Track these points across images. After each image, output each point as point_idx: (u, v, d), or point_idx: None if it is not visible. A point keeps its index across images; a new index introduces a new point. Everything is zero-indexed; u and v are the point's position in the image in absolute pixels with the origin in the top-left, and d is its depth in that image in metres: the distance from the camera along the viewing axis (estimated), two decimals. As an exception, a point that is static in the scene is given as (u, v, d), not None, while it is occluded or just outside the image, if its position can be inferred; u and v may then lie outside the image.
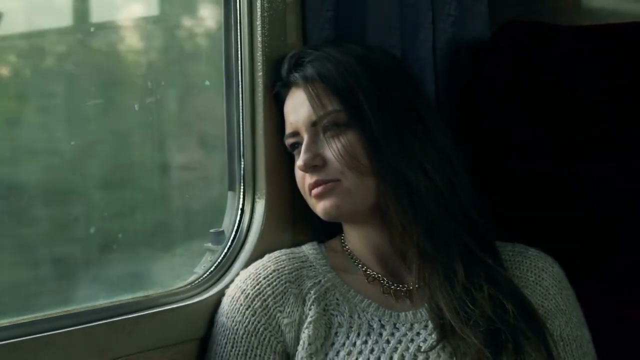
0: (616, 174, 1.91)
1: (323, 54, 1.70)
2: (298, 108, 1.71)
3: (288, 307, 1.66)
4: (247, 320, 1.65)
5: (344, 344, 1.62)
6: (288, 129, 1.73)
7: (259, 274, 1.68)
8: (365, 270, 1.72)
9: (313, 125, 1.68)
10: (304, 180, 1.69)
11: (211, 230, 1.83)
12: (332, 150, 1.64)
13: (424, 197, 1.63)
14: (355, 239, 1.74)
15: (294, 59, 1.73)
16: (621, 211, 1.91)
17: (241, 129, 1.82)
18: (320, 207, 1.67)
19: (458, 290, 1.60)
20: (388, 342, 1.62)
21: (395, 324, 1.64)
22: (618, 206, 1.91)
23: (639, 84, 1.95)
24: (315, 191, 1.66)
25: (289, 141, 1.74)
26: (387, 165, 1.63)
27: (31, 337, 1.49)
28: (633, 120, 1.94)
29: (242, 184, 1.83)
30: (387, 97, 1.66)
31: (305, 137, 1.68)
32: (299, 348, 1.63)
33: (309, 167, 1.66)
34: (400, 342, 1.62)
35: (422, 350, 1.60)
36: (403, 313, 1.65)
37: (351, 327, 1.64)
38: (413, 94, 1.71)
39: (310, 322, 1.64)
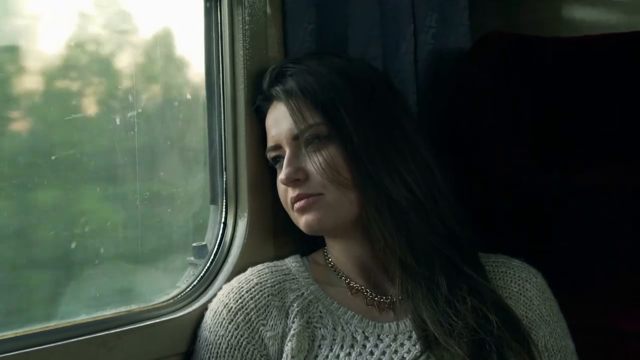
0: (598, 183, 1.92)
1: (304, 67, 1.70)
2: (280, 122, 1.70)
3: (271, 321, 1.65)
4: (230, 334, 1.64)
5: (327, 356, 1.62)
6: (270, 143, 1.73)
7: (242, 287, 1.68)
8: (349, 283, 1.72)
9: (295, 138, 1.67)
10: (286, 194, 1.69)
11: (194, 244, 1.82)
12: (313, 164, 1.64)
13: (406, 210, 1.63)
14: (338, 251, 1.73)
15: (275, 72, 1.73)
16: (603, 221, 1.91)
17: (223, 142, 1.82)
18: (302, 221, 1.67)
19: (441, 303, 1.60)
20: (372, 353, 1.62)
21: (379, 336, 1.64)
22: (600, 216, 1.91)
23: (618, 95, 1.96)
24: (297, 205, 1.66)
25: (270, 154, 1.73)
26: (369, 179, 1.62)
27: (11, 354, 1.48)
28: (613, 130, 1.94)
29: (224, 198, 1.83)
30: (368, 109, 1.66)
31: (287, 151, 1.68)
32: (283, 361, 1.62)
33: (291, 181, 1.66)
34: (384, 353, 1.61)
35: (405, 361, 1.59)
36: (387, 324, 1.65)
37: (334, 340, 1.64)
38: (394, 107, 1.71)
39: (293, 335, 1.63)
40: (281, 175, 1.67)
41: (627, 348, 1.83)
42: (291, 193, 1.67)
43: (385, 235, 1.63)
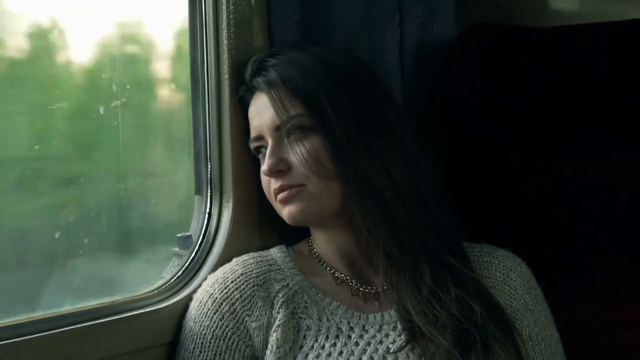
0: (586, 173, 1.92)
1: (286, 58, 1.70)
2: (262, 112, 1.70)
3: (256, 311, 1.65)
4: (215, 325, 1.64)
5: (312, 347, 1.62)
6: (252, 133, 1.73)
7: (227, 278, 1.68)
8: (334, 273, 1.72)
9: (277, 129, 1.67)
10: (269, 184, 1.69)
11: (178, 235, 1.82)
12: (296, 155, 1.64)
13: (389, 201, 1.63)
14: (323, 242, 1.73)
15: (257, 63, 1.73)
16: (590, 211, 1.92)
17: (208, 133, 1.81)
18: (285, 212, 1.67)
19: (425, 293, 1.60)
20: (357, 344, 1.62)
21: (364, 326, 1.64)
22: (587, 206, 1.92)
23: (605, 84, 1.96)
24: (280, 196, 1.66)
25: (253, 145, 1.73)
26: (352, 170, 1.62)
27: (-4, 343, 1.48)
28: (601, 120, 1.95)
29: (209, 188, 1.82)
30: (351, 100, 1.66)
31: (270, 142, 1.68)
32: (268, 352, 1.62)
33: (273, 172, 1.65)
34: (369, 343, 1.62)
35: (390, 351, 1.59)
36: (372, 315, 1.65)
37: (320, 330, 1.64)
38: (379, 97, 1.71)
39: (278, 326, 1.63)
40: (264, 167, 1.67)
41: (614, 337, 1.84)
42: (274, 184, 1.67)
43: (369, 226, 1.63)
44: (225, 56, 1.79)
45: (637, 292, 1.85)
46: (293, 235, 1.78)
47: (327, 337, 1.63)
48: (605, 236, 1.89)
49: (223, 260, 1.75)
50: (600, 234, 1.90)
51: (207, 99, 1.81)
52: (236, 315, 1.65)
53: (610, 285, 1.86)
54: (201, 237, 1.80)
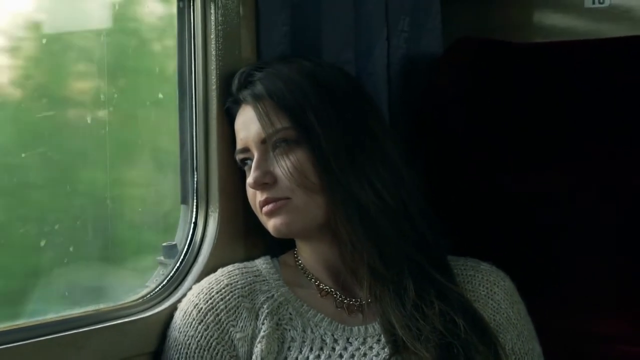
0: (569, 188, 1.93)
1: (273, 70, 1.70)
2: (248, 125, 1.70)
3: (241, 322, 1.65)
4: (199, 335, 1.64)
5: (296, 359, 1.62)
6: (239, 145, 1.73)
7: (212, 288, 1.68)
8: (318, 285, 1.72)
9: (263, 142, 1.68)
10: (254, 197, 1.69)
11: (163, 244, 1.82)
12: (281, 168, 1.64)
13: (374, 215, 1.64)
14: (308, 253, 1.74)
15: (244, 75, 1.73)
16: (574, 225, 1.93)
17: (194, 143, 1.82)
18: (270, 225, 1.67)
19: (409, 307, 1.61)
20: (341, 356, 1.62)
21: (348, 339, 1.64)
22: (571, 219, 1.93)
23: (588, 100, 1.98)
24: (265, 209, 1.66)
25: (239, 157, 1.74)
26: (337, 184, 1.63)
27: (-22, 351, 1.47)
28: (585, 134, 1.96)
29: (195, 198, 1.82)
30: (337, 114, 1.66)
31: (255, 155, 1.68)
32: (252, 363, 1.62)
33: (259, 185, 1.66)
34: (353, 356, 1.62)
35: (374, 364, 1.60)
36: (356, 327, 1.66)
37: (304, 342, 1.64)
38: (364, 111, 1.72)
39: (263, 337, 1.63)
40: (249, 179, 1.68)
41: (598, 351, 1.85)
42: (259, 196, 1.67)
43: (354, 240, 1.64)
44: (213, 67, 1.80)
45: (621, 306, 1.87)
46: (278, 246, 1.78)
47: (311, 349, 1.63)
48: (590, 250, 1.90)
49: (208, 270, 1.75)
50: (584, 247, 1.91)
51: (194, 109, 1.81)
52: (221, 326, 1.65)
53: (593, 299, 1.87)
54: (186, 246, 1.80)
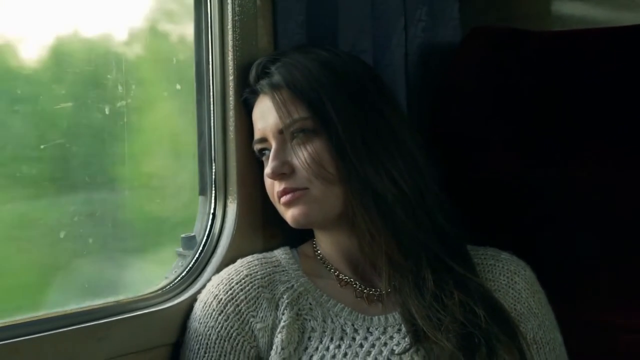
0: (588, 177, 1.92)
1: (290, 60, 1.70)
2: (265, 115, 1.70)
3: (261, 312, 1.65)
4: (220, 326, 1.64)
5: (317, 349, 1.62)
6: (256, 135, 1.73)
7: (232, 279, 1.68)
8: (338, 275, 1.72)
9: (280, 132, 1.67)
10: (272, 187, 1.69)
11: (182, 235, 1.82)
12: (299, 158, 1.64)
13: (392, 205, 1.63)
14: (326, 244, 1.73)
15: (261, 66, 1.73)
16: (592, 215, 1.92)
17: (212, 134, 1.81)
18: (289, 215, 1.67)
19: (428, 297, 1.60)
20: (361, 346, 1.62)
21: (368, 328, 1.64)
22: (589, 210, 1.92)
23: (606, 89, 1.96)
24: (283, 199, 1.66)
25: (257, 147, 1.73)
26: (354, 174, 1.62)
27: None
28: (602, 124, 1.95)
29: (213, 189, 1.82)
30: (354, 104, 1.66)
31: (273, 145, 1.68)
32: (272, 353, 1.62)
33: (276, 175, 1.66)
34: (373, 345, 1.62)
35: (395, 353, 1.60)
36: (376, 317, 1.65)
37: (324, 332, 1.64)
38: (382, 101, 1.71)
39: (283, 327, 1.63)
40: (267, 170, 1.67)
41: (617, 340, 1.84)
42: (277, 187, 1.67)
43: (372, 230, 1.64)
44: (230, 57, 1.80)
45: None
46: (297, 236, 1.78)
47: (331, 339, 1.63)
48: (609, 239, 1.88)
49: (227, 261, 1.75)
50: (604, 237, 1.89)
51: (212, 99, 1.81)
52: (241, 316, 1.65)
53: (613, 289, 1.86)
54: (205, 237, 1.80)
